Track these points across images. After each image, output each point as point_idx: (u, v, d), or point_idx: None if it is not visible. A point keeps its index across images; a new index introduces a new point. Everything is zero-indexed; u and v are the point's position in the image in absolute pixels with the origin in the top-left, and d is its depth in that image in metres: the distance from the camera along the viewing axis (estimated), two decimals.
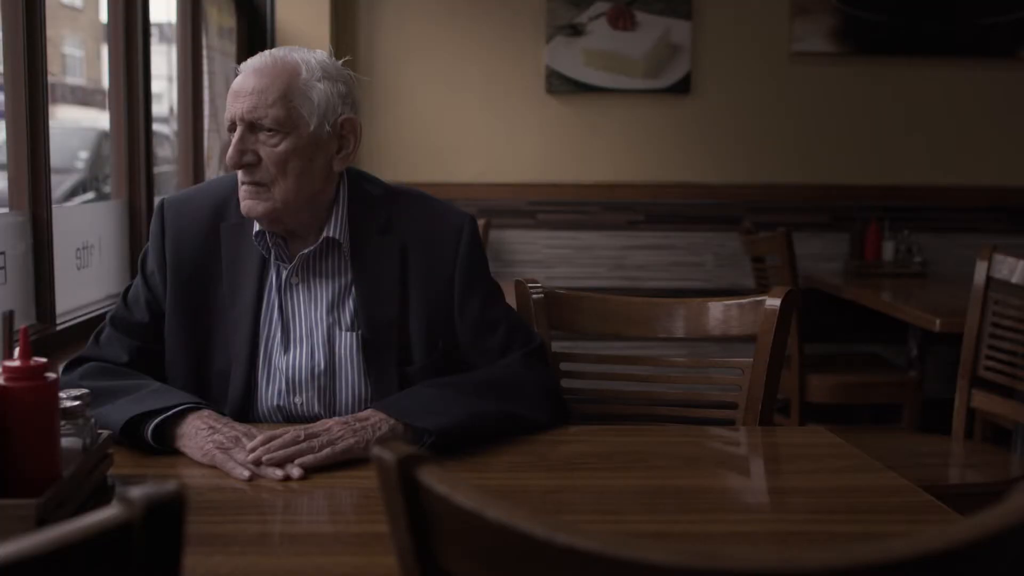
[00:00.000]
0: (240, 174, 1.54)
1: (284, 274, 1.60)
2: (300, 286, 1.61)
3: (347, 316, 1.60)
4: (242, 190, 1.55)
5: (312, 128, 1.54)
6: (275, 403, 1.59)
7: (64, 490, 1.11)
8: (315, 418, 1.55)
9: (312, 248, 1.59)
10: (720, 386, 1.83)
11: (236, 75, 1.57)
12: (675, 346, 3.84)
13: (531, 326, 1.80)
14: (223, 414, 1.51)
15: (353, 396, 1.60)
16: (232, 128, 1.54)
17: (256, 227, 1.60)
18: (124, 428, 1.40)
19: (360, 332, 1.59)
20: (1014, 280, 2.54)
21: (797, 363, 3.52)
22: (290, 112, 1.52)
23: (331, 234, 1.59)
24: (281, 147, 1.52)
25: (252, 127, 1.52)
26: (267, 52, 1.57)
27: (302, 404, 1.59)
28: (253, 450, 1.35)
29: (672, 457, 1.50)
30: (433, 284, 1.61)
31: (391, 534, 0.68)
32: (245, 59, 1.59)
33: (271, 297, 1.61)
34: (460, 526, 0.63)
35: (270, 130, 1.51)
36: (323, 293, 1.61)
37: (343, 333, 1.60)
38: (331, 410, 1.59)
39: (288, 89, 1.52)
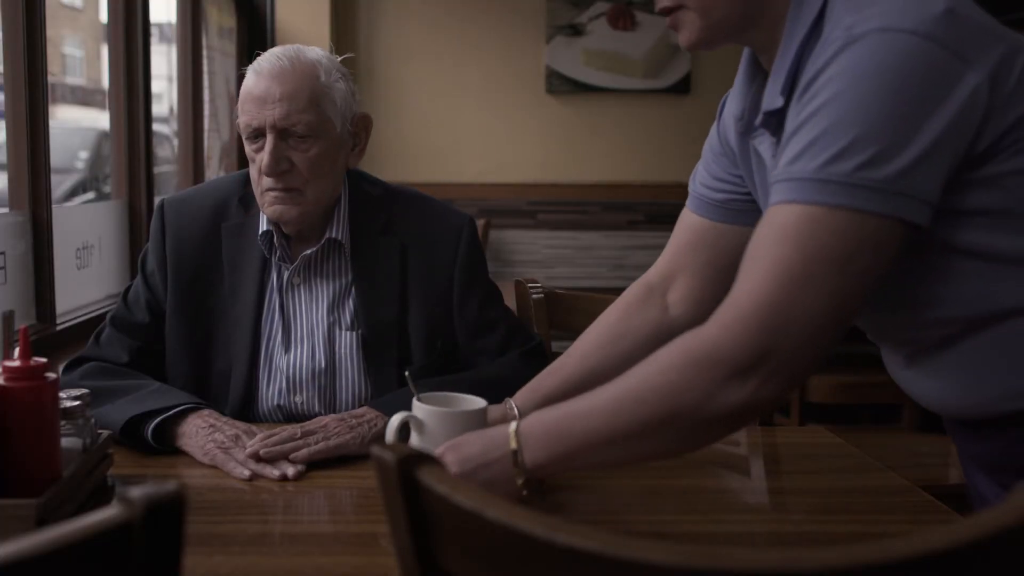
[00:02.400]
0: (269, 180, 1.53)
1: (286, 275, 1.61)
2: (302, 286, 1.61)
3: (347, 316, 1.61)
4: (271, 195, 1.54)
5: (338, 129, 1.55)
6: (275, 403, 1.60)
7: (64, 490, 1.11)
8: (315, 416, 1.56)
9: (314, 249, 1.60)
10: None
11: (244, 78, 1.55)
12: None
13: (529, 326, 1.80)
14: (224, 414, 1.52)
15: (353, 395, 1.60)
16: (257, 135, 1.52)
17: (262, 227, 1.60)
18: (124, 428, 1.40)
19: (360, 332, 1.60)
20: None
21: None
22: (320, 116, 1.52)
23: (333, 235, 1.60)
24: (313, 151, 1.52)
25: (282, 134, 1.51)
26: (278, 54, 1.55)
27: (302, 403, 1.59)
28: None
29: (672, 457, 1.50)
30: (433, 284, 1.62)
31: (391, 534, 0.68)
32: (245, 59, 1.59)
33: (272, 297, 1.61)
34: (460, 526, 0.63)
35: (302, 136, 1.51)
36: (324, 293, 1.62)
37: (343, 332, 1.60)
38: (331, 409, 1.59)
39: (314, 93, 1.52)
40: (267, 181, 1.53)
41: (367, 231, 1.62)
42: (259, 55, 1.58)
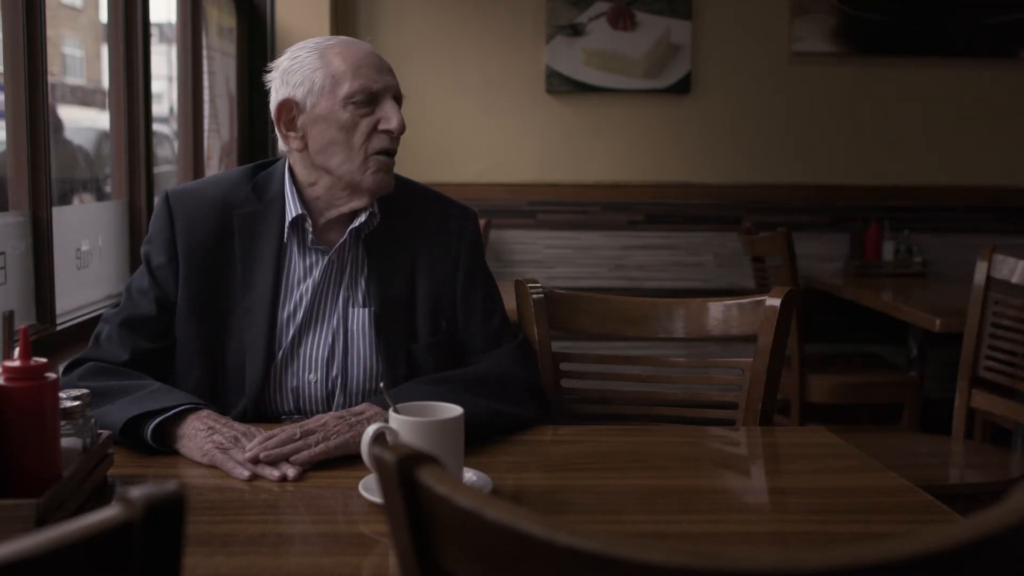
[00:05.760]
0: (384, 143, 1.62)
1: (324, 257, 1.65)
2: (335, 265, 1.66)
3: (360, 293, 1.66)
4: (381, 161, 1.62)
5: None
6: (291, 385, 1.63)
7: (64, 490, 1.11)
8: (327, 396, 1.63)
9: (363, 220, 1.65)
10: (720, 386, 1.83)
11: (327, 53, 1.61)
12: (675, 346, 3.85)
13: (528, 324, 1.87)
14: (235, 404, 1.59)
15: (364, 371, 1.65)
16: (371, 99, 1.60)
17: (293, 212, 1.64)
18: (124, 428, 1.40)
19: (372, 308, 1.65)
20: (1014, 280, 2.54)
21: (797, 363, 3.52)
22: None
23: (375, 210, 1.67)
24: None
25: (396, 101, 1.63)
26: (352, 38, 1.68)
27: (316, 381, 1.63)
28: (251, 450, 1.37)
29: (672, 457, 1.50)
30: (439, 268, 1.70)
31: (391, 534, 0.68)
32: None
33: (291, 280, 1.65)
34: (460, 526, 0.63)
35: (399, 107, 1.64)
36: (344, 272, 1.67)
37: (356, 309, 1.66)
38: (344, 386, 1.63)
39: None
40: (381, 144, 1.62)
41: (384, 214, 1.69)
42: (316, 41, 1.65)
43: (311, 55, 1.62)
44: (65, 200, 3.06)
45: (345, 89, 1.59)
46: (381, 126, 1.60)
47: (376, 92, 1.60)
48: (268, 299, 1.63)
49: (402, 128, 1.62)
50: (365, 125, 1.60)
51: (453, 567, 0.66)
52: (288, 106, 1.62)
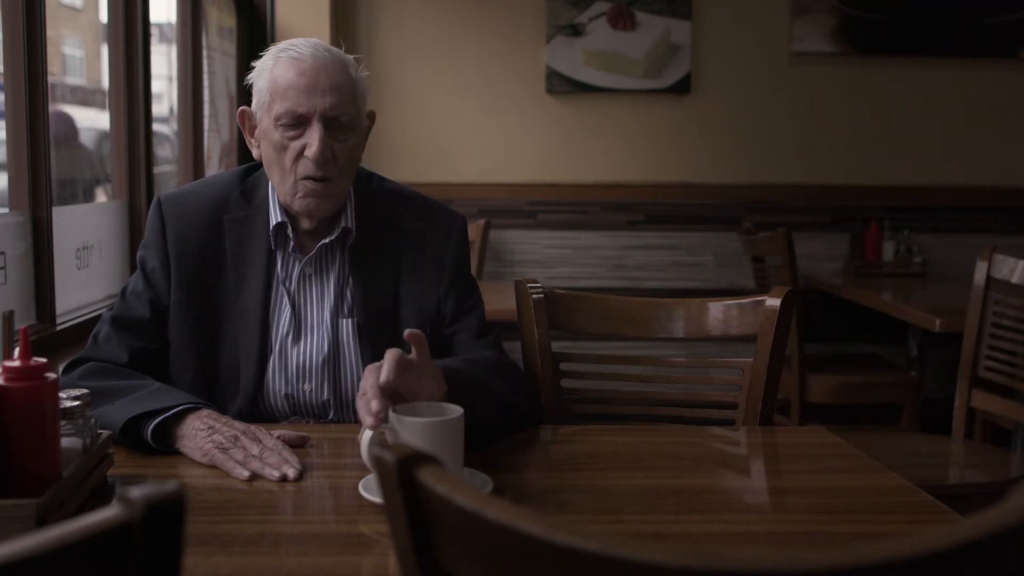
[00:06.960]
0: (309, 169, 1.56)
1: (298, 265, 1.64)
2: (313, 276, 1.65)
3: (346, 304, 1.65)
4: (308, 185, 1.57)
5: (364, 122, 1.63)
6: (284, 392, 1.63)
7: (64, 490, 1.11)
8: (322, 404, 1.62)
9: (332, 238, 1.64)
10: (720, 386, 1.83)
11: (276, 65, 1.56)
12: (675, 346, 3.85)
13: (529, 325, 1.87)
14: (229, 407, 1.57)
15: (355, 381, 1.64)
16: (299, 123, 1.54)
17: (275, 219, 1.63)
18: (124, 428, 1.40)
19: (356, 319, 1.64)
20: (1014, 280, 2.54)
21: (797, 363, 3.52)
22: (358, 109, 1.59)
23: (348, 224, 1.65)
24: (350, 143, 1.59)
25: (328, 123, 1.55)
26: (313, 45, 1.58)
27: (311, 391, 1.63)
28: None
29: (672, 457, 1.50)
30: (425, 276, 1.68)
31: (391, 534, 0.68)
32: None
33: (280, 288, 1.64)
34: (460, 526, 0.63)
35: (344, 127, 1.57)
36: (329, 282, 1.66)
37: (343, 320, 1.64)
38: (337, 395, 1.63)
39: (354, 86, 1.58)
40: (306, 170, 1.56)
41: (368, 223, 1.67)
42: (279, 47, 1.59)
43: (267, 64, 1.58)
44: (88, 195, 3.09)
45: (275, 109, 1.55)
46: (305, 152, 1.55)
47: (303, 115, 1.54)
48: (260, 303, 1.62)
49: (323, 157, 1.54)
50: (294, 148, 1.56)
51: (453, 567, 0.66)
52: (248, 115, 1.63)
